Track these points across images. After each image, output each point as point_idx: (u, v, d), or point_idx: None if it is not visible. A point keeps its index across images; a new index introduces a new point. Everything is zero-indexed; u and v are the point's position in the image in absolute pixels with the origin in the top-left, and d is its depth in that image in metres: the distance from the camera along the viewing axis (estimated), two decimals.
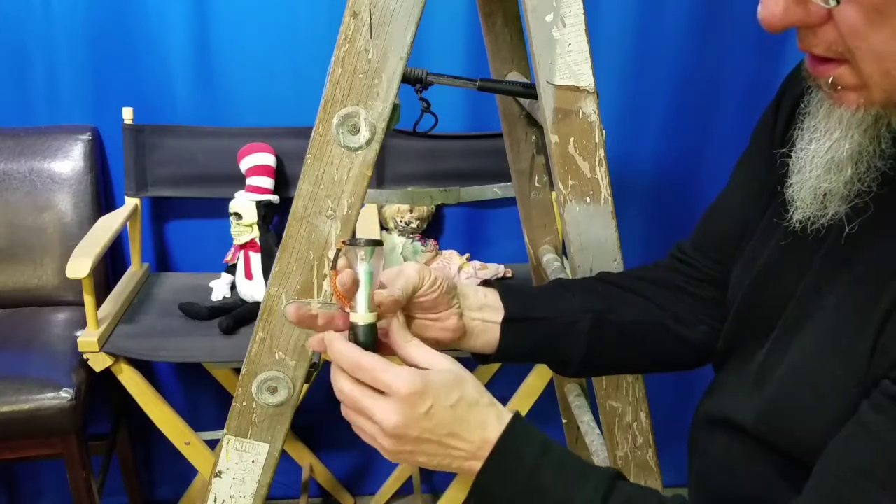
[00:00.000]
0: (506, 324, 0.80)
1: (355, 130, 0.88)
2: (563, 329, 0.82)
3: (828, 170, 0.62)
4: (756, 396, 0.70)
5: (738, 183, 0.85)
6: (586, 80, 0.92)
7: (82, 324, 1.61)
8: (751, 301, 0.76)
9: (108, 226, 1.71)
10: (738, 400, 0.73)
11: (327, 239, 0.91)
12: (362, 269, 0.70)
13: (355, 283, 0.70)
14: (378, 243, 0.71)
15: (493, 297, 0.81)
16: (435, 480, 2.19)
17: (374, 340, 0.70)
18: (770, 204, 0.76)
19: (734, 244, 0.82)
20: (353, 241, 0.71)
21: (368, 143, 0.88)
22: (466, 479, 0.68)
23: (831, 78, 0.58)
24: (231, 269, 1.83)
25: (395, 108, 0.89)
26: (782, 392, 0.67)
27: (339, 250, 0.72)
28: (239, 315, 1.71)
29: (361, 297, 0.70)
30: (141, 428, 2.00)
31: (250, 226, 1.78)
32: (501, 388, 2.07)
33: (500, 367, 2.05)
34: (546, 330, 0.82)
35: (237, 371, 1.78)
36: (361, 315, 0.70)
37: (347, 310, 0.71)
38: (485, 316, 0.80)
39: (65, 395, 1.54)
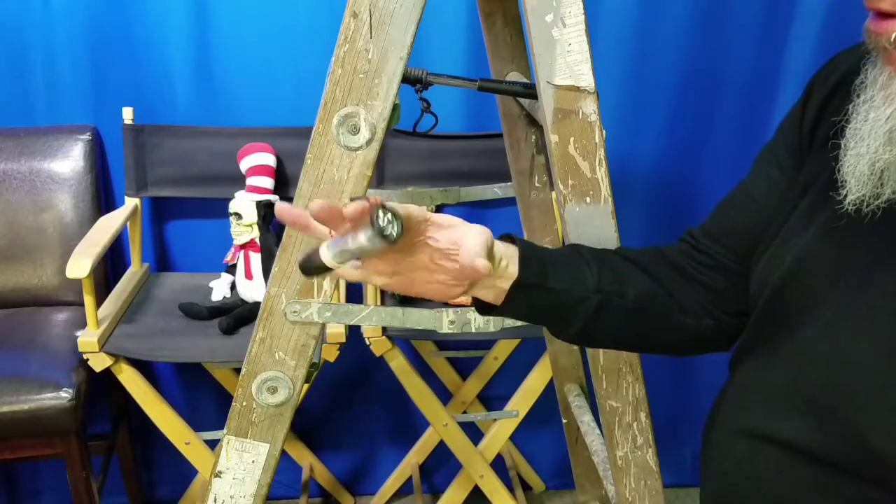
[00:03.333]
0: (515, 287, 0.77)
1: (355, 130, 0.88)
2: (569, 303, 0.80)
3: (889, 139, 0.59)
4: (810, 413, 0.65)
5: (760, 174, 0.83)
6: (586, 80, 0.92)
7: (82, 324, 1.61)
8: (781, 296, 0.72)
9: (108, 226, 1.71)
10: (777, 412, 0.68)
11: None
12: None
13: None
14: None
15: (511, 264, 0.77)
16: (435, 480, 2.19)
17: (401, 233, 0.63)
18: (800, 198, 0.73)
19: (752, 235, 0.80)
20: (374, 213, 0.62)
21: (368, 143, 0.88)
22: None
23: (895, 35, 0.56)
24: (231, 269, 1.83)
25: (395, 108, 0.89)
26: (860, 415, 0.62)
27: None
28: (239, 315, 1.71)
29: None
30: (141, 428, 2.00)
31: (250, 226, 1.78)
32: (501, 388, 2.07)
33: (500, 367, 2.05)
34: (553, 300, 0.80)
35: (237, 371, 1.77)
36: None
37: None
38: (498, 282, 0.77)
39: (65, 395, 1.54)
